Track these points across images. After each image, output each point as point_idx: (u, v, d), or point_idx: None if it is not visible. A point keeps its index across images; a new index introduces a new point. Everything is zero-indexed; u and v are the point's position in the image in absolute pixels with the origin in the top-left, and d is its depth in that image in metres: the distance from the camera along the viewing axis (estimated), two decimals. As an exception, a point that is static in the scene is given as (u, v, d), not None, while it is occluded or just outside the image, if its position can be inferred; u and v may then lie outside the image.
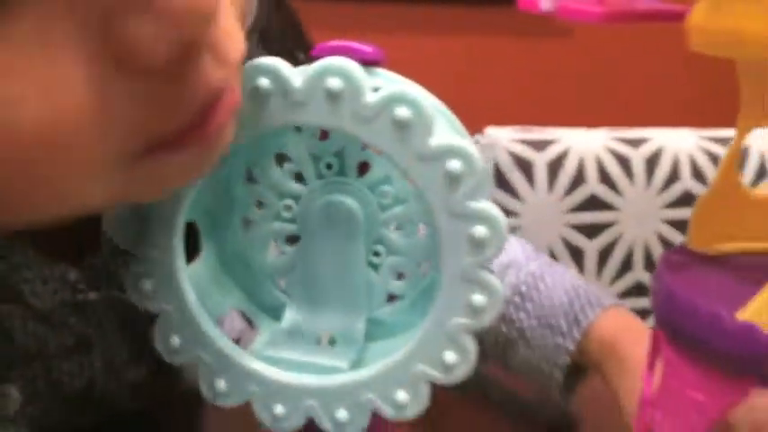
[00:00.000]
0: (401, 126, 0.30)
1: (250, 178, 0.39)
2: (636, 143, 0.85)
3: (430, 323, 0.32)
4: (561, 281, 0.54)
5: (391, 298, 0.38)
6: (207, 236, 0.40)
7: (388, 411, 0.33)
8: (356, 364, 0.35)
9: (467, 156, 0.30)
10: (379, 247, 0.37)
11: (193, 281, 0.36)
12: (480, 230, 0.31)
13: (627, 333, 0.51)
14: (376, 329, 0.38)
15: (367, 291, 0.37)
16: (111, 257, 0.42)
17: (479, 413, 0.59)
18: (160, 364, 0.36)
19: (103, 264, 0.42)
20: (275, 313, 0.39)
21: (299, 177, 0.38)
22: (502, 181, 0.81)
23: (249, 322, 0.51)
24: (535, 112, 1.45)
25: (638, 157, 0.84)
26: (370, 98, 0.30)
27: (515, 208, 0.82)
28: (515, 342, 0.53)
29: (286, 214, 0.38)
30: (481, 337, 0.55)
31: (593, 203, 0.83)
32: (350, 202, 0.35)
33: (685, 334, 0.33)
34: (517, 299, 0.53)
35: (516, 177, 0.81)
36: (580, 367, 0.54)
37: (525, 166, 0.82)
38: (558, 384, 0.53)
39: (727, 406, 0.32)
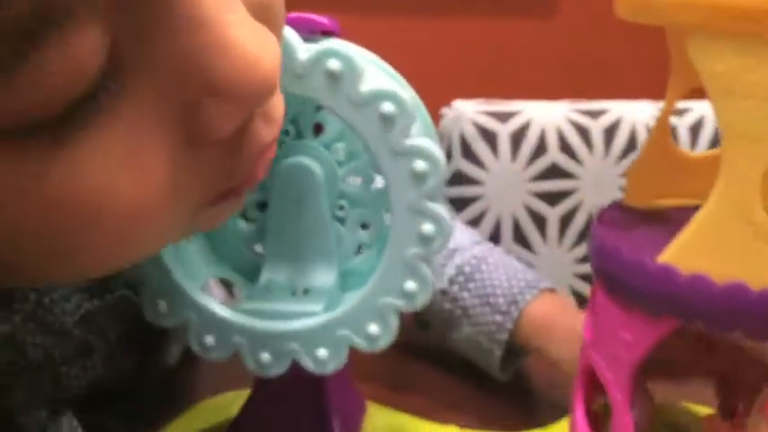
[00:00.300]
0: (333, 77, 0.33)
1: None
2: (595, 114, 0.89)
3: (388, 257, 0.35)
4: (502, 264, 0.58)
5: (360, 248, 0.41)
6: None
7: (362, 344, 0.36)
8: (331, 309, 0.38)
9: (396, 98, 0.33)
10: (343, 202, 0.40)
11: (178, 251, 0.39)
12: (420, 164, 0.34)
13: (558, 309, 0.55)
14: (349, 280, 0.40)
15: (337, 244, 0.40)
16: None
17: (442, 369, 0.62)
18: (151, 350, 0.38)
19: None
20: (254, 277, 0.41)
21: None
22: (467, 151, 0.84)
23: (229, 291, 0.54)
24: (513, 89, 1.47)
25: (597, 128, 0.87)
26: (303, 55, 0.33)
27: (480, 177, 0.85)
28: (459, 319, 0.57)
29: (253, 180, 0.41)
30: (428, 318, 0.59)
31: (555, 172, 0.87)
32: (309, 162, 0.38)
33: (614, 279, 0.36)
34: (461, 279, 0.57)
35: (481, 147, 0.84)
36: (517, 348, 0.58)
37: (489, 137, 0.85)
38: (497, 360, 0.56)
39: (651, 344, 0.35)
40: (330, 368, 0.36)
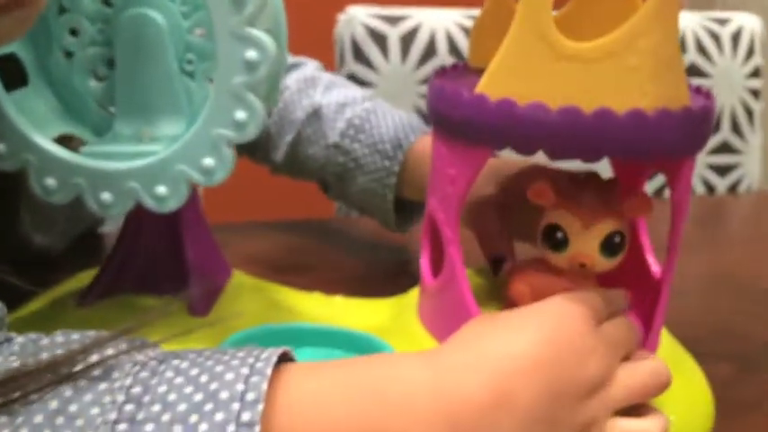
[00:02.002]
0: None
1: (62, 9, 0.41)
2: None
3: (217, 88, 0.36)
4: (391, 115, 0.60)
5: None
6: (31, 66, 0.42)
7: (199, 178, 0.37)
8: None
9: None
10: (190, 55, 0.41)
11: (24, 104, 0.39)
12: (253, 54, 0.35)
13: None
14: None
15: (187, 98, 0.41)
16: None
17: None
18: None
19: None
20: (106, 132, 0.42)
21: (107, 3, 0.41)
22: (359, 54, 0.85)
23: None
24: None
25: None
26: None
27: (371, 79, 0.86)
28: (353, 171, 0.59)
29: (99, 38, 0.41)
30: (327, 177, 0.60)
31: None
32: (151, 12, 0.39)
33: (439, 115, 0.38)
34: (352, 131, 0.59)
35: (372, 50, 0.85)
36: (409, 202, 0.60)
37: (380, 40, 0.86)
38: (390, 206, 0.59)
39: (471, 175, 0.37)
40: (171, 205, 0.37)
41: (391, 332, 0.43)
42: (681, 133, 0.34)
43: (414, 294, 0.46)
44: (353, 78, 0.86)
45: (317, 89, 0.62)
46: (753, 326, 0.54)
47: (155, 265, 0.45)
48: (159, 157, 0.37)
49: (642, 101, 0.33)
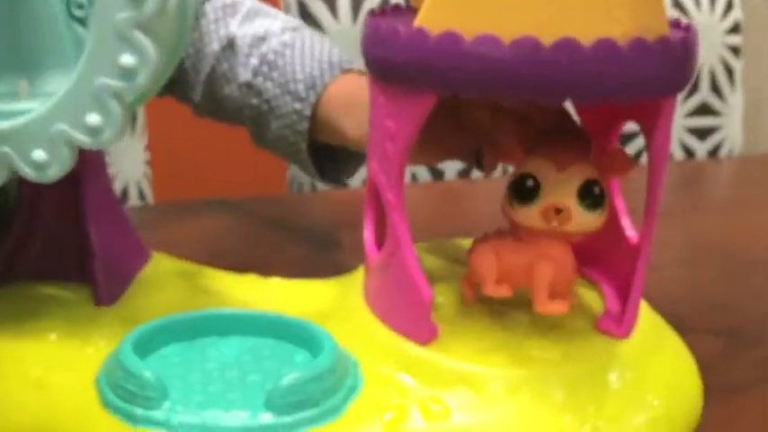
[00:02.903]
0: None
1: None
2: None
3: (96, 28, 0.29)
4: (312, 49, 0.52)
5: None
6: None
7: (84, 139, 0.30)
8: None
9: None
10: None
11: None
12: None
13: (362, 89, 0.50)
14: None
15: (76, 47, 0.34)
16: None
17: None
18: None
19: None
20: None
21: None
22: (305, 13, 0.79)
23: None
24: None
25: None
26: None
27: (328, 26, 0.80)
28: (266, 115, 0.51)
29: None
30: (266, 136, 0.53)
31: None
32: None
33: (375, 59, 0.32)
34: (265, 68, 0.51)
35: (319, 9, 0.78)
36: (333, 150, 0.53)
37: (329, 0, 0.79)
38: (305, 157, 0.51)
39: (412, 128, 0.31)
40: (52, 174, 0.31)
41: (333, 317, 0.38)
42: (659, 67, 0.29)
43: (359, 273, 0.40)
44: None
45: (235, 17, 0.53)
46: (740, 298, 0.49)
47: (56, 249, 0.38)
48: (34, 115, 0.30)
49: (612, 29, 0.28)
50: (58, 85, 0.33)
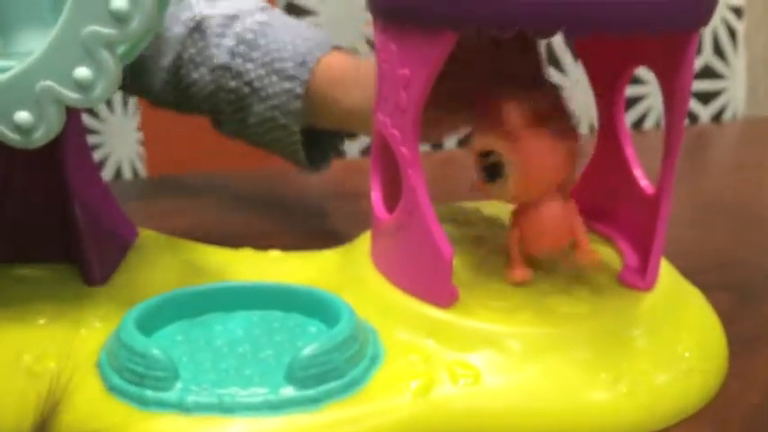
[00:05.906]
0: None
1: None
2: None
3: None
4: (290, 26, 0.49)
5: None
6: None
7: (74, 97, 0.27)
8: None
9: None
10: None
11: None
12: None
13: (353, 63, 0.48)
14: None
15: (54, 5, 0.31)
16: None
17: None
18: None
19: None
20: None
21: None
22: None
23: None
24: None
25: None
26: None
27: (312, 5, 0.75)
28: (248, 98, 0.48)
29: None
30: (219, 108, 0.50)
31: None
32: None
33: (385, 6, 0.30)
34: (243, 48, 0.48)
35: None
36: (321, 134, 0.51)
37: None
38: (297, 139, 0.49)
39: (428, 73, 0.29)
40: (38, 137, 0.28)
41: (340, 286, 0.35)
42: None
43: (364, 240, 0.38)
44: (293, 6, 0.76)
45: None
46: (750, 254, 0.48)
47: (34, 228, 0.35)
48: (14, 72, 0.27)
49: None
50: (35, 43, 0.30)
